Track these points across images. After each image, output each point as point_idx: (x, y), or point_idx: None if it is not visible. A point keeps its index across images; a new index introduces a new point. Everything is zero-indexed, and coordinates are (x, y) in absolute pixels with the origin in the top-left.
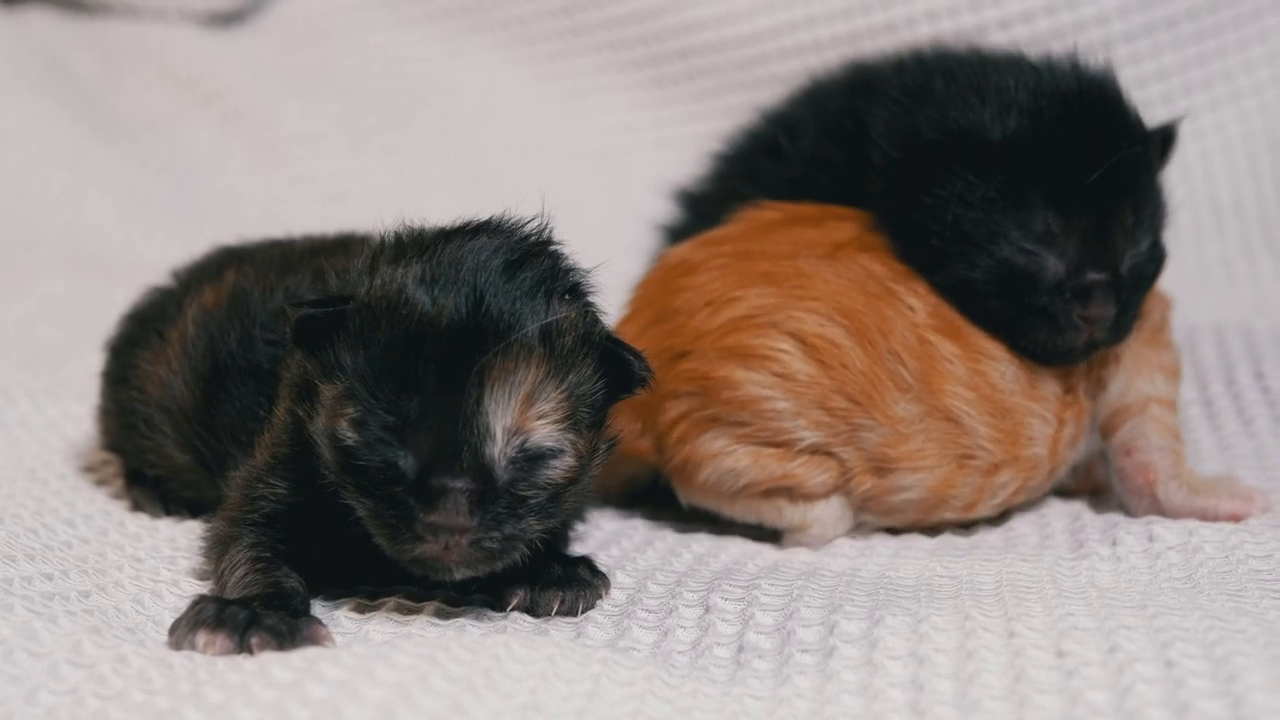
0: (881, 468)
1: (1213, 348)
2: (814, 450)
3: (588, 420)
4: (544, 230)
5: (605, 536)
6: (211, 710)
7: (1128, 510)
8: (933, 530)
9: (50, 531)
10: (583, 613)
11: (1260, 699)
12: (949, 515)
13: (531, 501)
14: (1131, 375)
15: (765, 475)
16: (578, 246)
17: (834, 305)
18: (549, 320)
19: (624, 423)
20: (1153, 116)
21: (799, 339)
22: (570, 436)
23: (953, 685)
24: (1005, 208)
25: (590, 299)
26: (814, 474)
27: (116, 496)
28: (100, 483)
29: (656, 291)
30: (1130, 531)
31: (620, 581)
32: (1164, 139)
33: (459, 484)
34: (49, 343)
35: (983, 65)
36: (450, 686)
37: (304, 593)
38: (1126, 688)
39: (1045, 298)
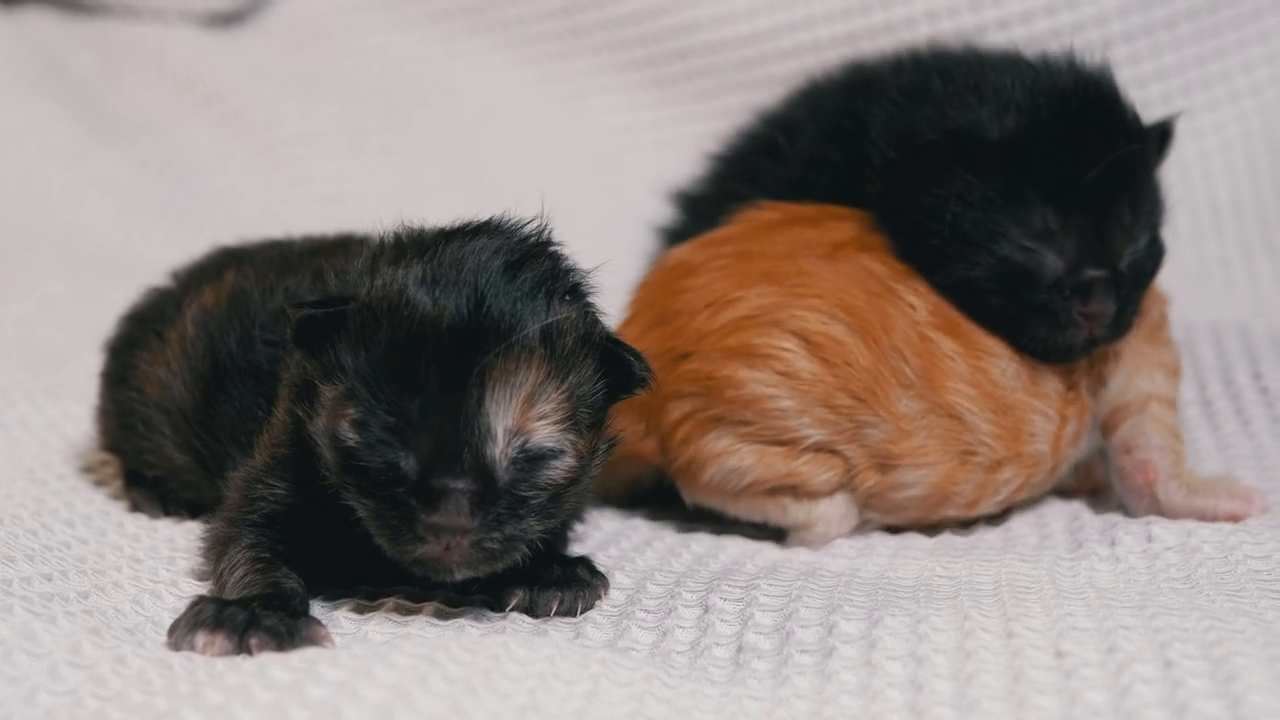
0: (885, 464)
1: (1210, 348)
2: (818, 448)
3: (588, 421)
4: (544, 231)
5: (605, 536)
6: (211, 711)
7: (1127, 509)
8: (932, 530)
9: (49, 532)
10: (582, 613)
11: (1259, 699)
12: (952, 512)
13: (532, 502)
14: (1132, 372)
15: (770, 474)
16: (577, 247)
17: (836, 303)
18: (550, 321)
19: (628, 425)
20: (1151, 117)
21: (802, 337)
22: (571, 437)
23: (952, 686)
24: (1004, 206)
25: (590, 299)
26: (818, 472)
27: (115, 497)
28: (99, 483)
29: (657, 294)
30: (1129, 532)
31: (619, 582)
32: (1161, 136)
33: (460, 485)
34: (49, 343)
35: (980, 64)
36: (449, 687)
37: (303, 593)
38: (1125, 688)
39: (1045, 295)
